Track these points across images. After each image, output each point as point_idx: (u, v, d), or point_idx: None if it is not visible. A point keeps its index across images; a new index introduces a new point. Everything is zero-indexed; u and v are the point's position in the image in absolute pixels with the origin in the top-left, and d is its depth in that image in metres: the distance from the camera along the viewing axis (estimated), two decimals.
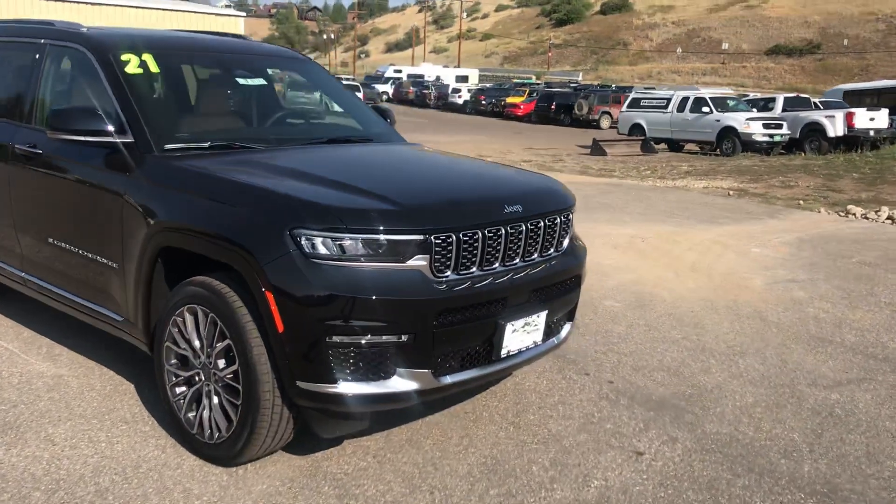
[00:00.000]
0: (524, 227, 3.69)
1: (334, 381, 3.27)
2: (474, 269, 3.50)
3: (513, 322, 3.64)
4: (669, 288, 7.06)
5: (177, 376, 3.69)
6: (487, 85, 57.16)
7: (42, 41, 4.63)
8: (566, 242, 4.04)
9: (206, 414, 3.58)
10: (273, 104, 4.99)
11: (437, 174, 4.28)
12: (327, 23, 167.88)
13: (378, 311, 3.25)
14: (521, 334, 3.71)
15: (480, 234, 3.49)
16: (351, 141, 4.68)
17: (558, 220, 3.91)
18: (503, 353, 3.67)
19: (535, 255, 3.80)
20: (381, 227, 3.27)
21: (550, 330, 3.99)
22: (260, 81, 4.89)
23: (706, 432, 4.16)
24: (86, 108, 3.99)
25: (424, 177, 4.18)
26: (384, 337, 3.28)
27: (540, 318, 3.80)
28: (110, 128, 3.90)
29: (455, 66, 75.56)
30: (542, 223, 3.79)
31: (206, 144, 4.05)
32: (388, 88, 59.64)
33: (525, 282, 3.69)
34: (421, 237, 3.33)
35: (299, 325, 3.23)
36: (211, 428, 3.57)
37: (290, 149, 4.31)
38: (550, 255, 3.90)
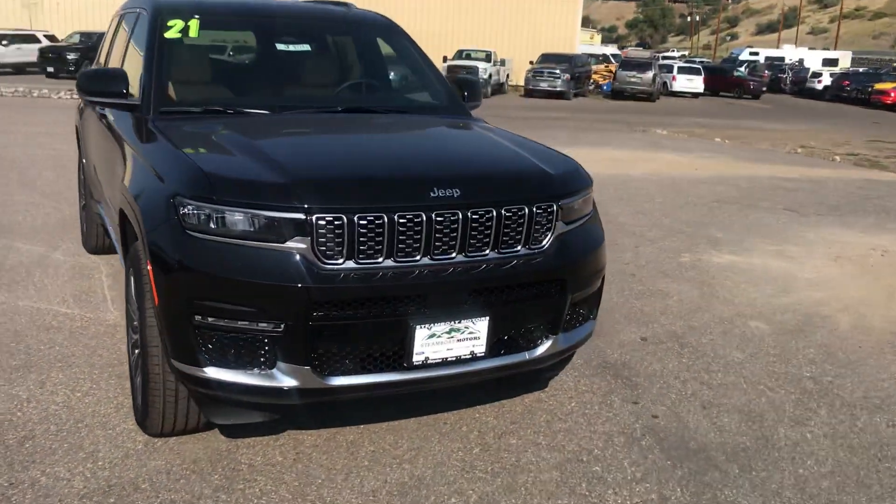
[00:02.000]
0: (461, 216, 3.10)
1: (200, 364, 3.03)
2: (381, 258, 3.01)
3: (429, 325, 3.10)
4: (862, 315, 5.64)
5: (131, 339, 3.70)
6: (859, 69, 50.95)
7: (131, 9, 4.91)
8: (548, 239, 3.34)
9: (137, 381, 3.54)
10: (318, 70, 4.79)
11: (391, 150, 3.79)
12: (697, 4, 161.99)
13: (247, 295, 2.94)
14: (444, 342, 3.15)
15: (386, 219, 3.00)
16: (371, 111, 4.31)
17: (526, 211, 3.24)
18: (416, 360, 3.13)
19: (489, 251, 3.19)
20: (254, 202, 2.95)
21: (505, 343, 3.35)
22: (304, 47, 4.72)
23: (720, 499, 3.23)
24: (104, 71, 4.12)
25: (368, 151, 3.71)
26: (259, 324, 2.96)
27: (478, 326, 3.18)
28: (120, 90, 3.99)
29: (825, 49, 68.57)
30: (494, 213, 3.16)
31: (199, 109, 3.99)
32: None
33: (458, 280, 3.12)
34: (300, 216, 2.94)
35: (169, 300, 3.04)
36: (133, 396, 3.53)
37: (281, 115, 4.06)
38: (515, 252, 3.25)
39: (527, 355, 3.40)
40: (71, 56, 29.89)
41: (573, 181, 3.55)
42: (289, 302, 2.94)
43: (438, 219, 3.07)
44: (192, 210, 2.99)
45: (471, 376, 3.32)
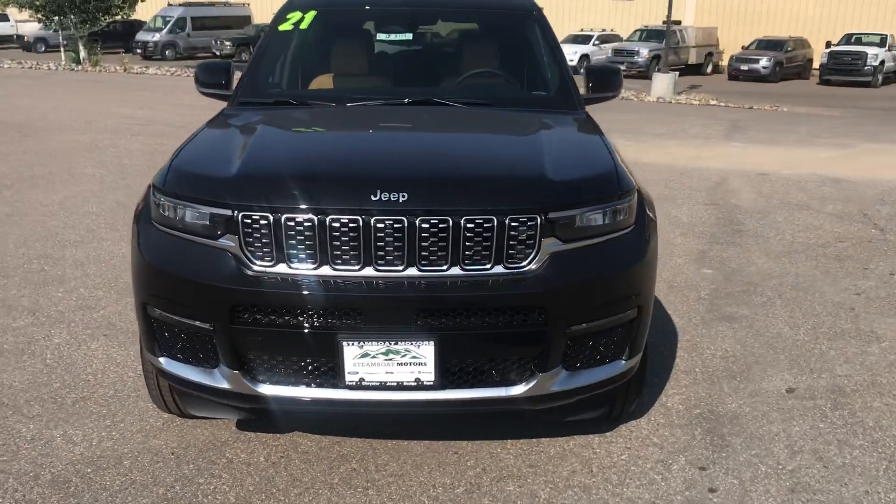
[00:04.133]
0: (406, 223, 2.71)
1: (156, 354, 3.05)
2: (316, 264, 2.75)
3: (360, 344, 2.76)
4: None
5: None
6: None
7: None
8: (531, 259, 2.80)
9: None
10: (416, 59, 4.48)
11: (385, 147, 3.39)
12: None
13: (179, 291, 2.90)
14: (382, 364, 2.78)
15: (317, 221, 2.73)
16: (442, 103, 3.91)
17: (495, 223, 2.74)
18: (350, 380, 2.82)
19: (449, 267, 2.75)
20: (195, 196, 2.87)
21: (466, 374, 2.86)
22: (405, 36, 4.43)
23: None
24: (213, 64, 4.29)
25: (356, 149, 3.36)
26: (195, 321, 2.90)
27: (422, 351, 2.77)
28: (220, 81, 4.16)
29: None
30: (451, 223, 2.72)
31: (271, 100, 3.99)
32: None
33: (402, 297, 2.74)
34: (228, 213, 2.80)
35: (134, 287, 3.11)
36: None
37: (337, 108, 3.87)
38: (485, 270, 2.77)
39: (503, 392, 2.89)
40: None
41: (585, 190, 2.93)
42: (214, 301, 2.82)
43: (379, 225, 2.71)
44: (156, 201, 3.00)
45: (422, 406, 2.92)
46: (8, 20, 41.77)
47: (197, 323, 2.88)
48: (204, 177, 2.94)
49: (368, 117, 3.76)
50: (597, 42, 33.18)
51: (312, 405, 2.92)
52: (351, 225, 2.72)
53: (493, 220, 2.74)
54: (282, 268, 2.78)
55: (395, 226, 2.71)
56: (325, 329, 2.76)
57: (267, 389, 2.89)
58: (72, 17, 27.07)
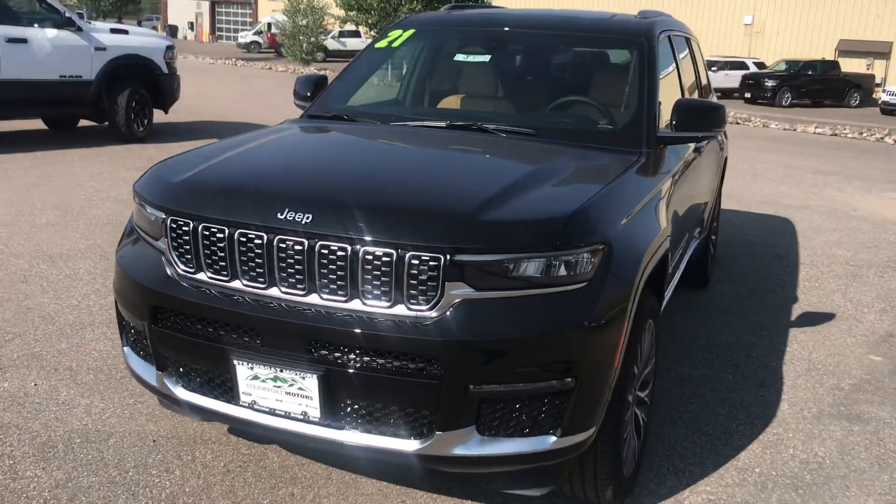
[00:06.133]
0: (306, 247, 2.58)
1: (122, 344, 3.22)
2: (229, 277, 2.72)
3: (251, 365, 2.67)
4: None
5: None
6: None
7: None
8: (434, 303, 2.50)
9: None
10: (493, 84, 4.14)
11: (352, 168, 3.19)
12: None
13: (123, 286, 3.03)
14: (271, 390, 2.65)
15: (227, 234, 2.69)
16: (483, 129, 3.61)
17: (394, 256, 2.50)
18: (244, 400, 2.72)
19: (349, 300, 2.57)
20: (150, 200, 2.96)
21: (357, 416, 2.63)
22: (483, 58, 4.13)
23: None
24: (309, 77, 4.40)
25: (323, 167, 3.22)
26: (133, 318, 3.02)
27: (307, 384, 2.59)
28: (305, 93, 4.29)
29: None
30: (349, 251, 2.53)
31: (328, 115, 4.00)
32: None
33: (294, 323, 2.59)
34: (162, 215, 2.86)
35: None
36: None
37: (375, 126, 3.77)
38: (384, 309, 2.54)
39: (397, 444, 2.61)
40: (769, 83, 30.32)
41: (515, 235, 2.55)
42: (141, 300, 2.90)
43: (281, 245, 2.61)
44: (134, 199, 3.16)
45: (311, 442, 2.74)
46: (359, 36, 45.62)
47: (134, 319, 2.98)
48: (161, 181, 3.02)
49: (379, 137, 3.64)
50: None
51: (217, 418, 2.88)
52: (257, 241, 2.64)
53: (392, 254, 2.50)
54: (201, 276, 2.77)
55: (297, 247, 2.58)
56: (222, 344, 2.71)
57: (182, 394, 2.89)
58: None
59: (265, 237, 2.62)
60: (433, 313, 2.50)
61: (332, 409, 2.62)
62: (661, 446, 3.65)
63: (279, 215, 2.61)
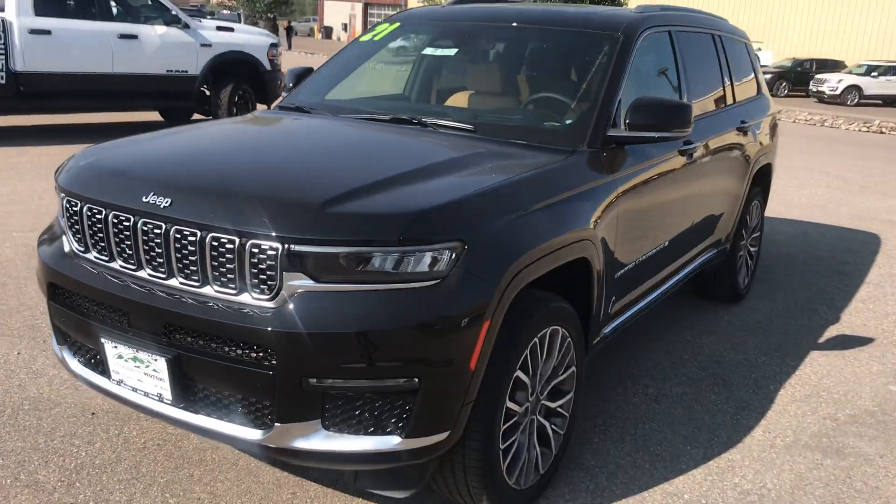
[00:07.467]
0: (164, 229, 2.63)
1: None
2: (110, 258, 2.82)
3: (115, 345, 2.74)
4: None
5: None
6: None
7: None
8: (274, 293, 2.48)
9: None
10: (455, 78, 4.00)
11: (249, 156, 3.19)
12: None
13: (36, 265, 3.19)
14: (133, 369, 2.72)
15: (104, 215, 2.78)
16: (422, 124, 3.53)
17: (237, 244, 2.49)
18: (114, 377, 2.81)
19: (203, 286, 2.60)
20: (55, 179, 3.11)
21: (206, 402, 2.64)
22: (448, 52, 3.99)
23: None
24: (294, 70, 4.48)
25: (223, 152, 3.24)
26: (42, 295, 3.18)
27: (159, 366, 2.64)
28: (286, 84, 4.38)
29: None
30: (199, 237, 2.56)
31: (293, 106, 4.04)
32: None
33: (154, 307, 2.64)
34: (62, 195, 3.00)
35: None
36: None
37: (319, 119, 3.77)
38: (230, 296, 2.54)
39: (242, 433, 2.60)
40: None
41: (360, 227, 2.48)
42: (42, 275, 3.06)
43: (144, 228, 2.67)
44: None
45: (169, 422, 2.77)
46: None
47: (42, 295, 3.14)
48: (69, 164, 3.15)
49: (302, 129, 3.65)
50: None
51: (102, 392, 2.96)
52: (126, 223, 2.71)
53: (236, 241, 2.50)
54: (91, 255, 2.88)
55: (156, 231, 2.64)
56: (96, 322, 2.81)
57: (76, 367, 3.02)
58: None
59: (132, 219, 2.69)
60: (272, 304, 2.49)
61: (184, 392, 2.66)
62: (595, 462, 3.46)
63: (144, 199, 2.67)
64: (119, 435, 3.48)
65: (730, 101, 5.09)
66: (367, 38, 4.38)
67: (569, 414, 3.26)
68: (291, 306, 2.46)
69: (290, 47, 47.77)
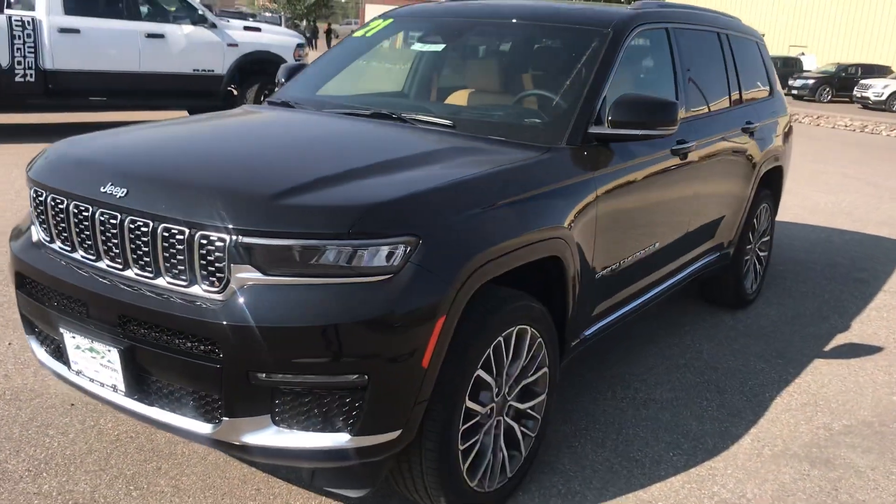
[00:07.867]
0: (119, 219, 2.62)
1: None
2: (71, 248, 2.82)
3: (73, 335, 2.74)
4: None
5: None
6: None
7: None
8: (223, 285, 2.46)
9: None
10: (442, 74, 3.94)
11: (220, 148, 3.19)
12: None
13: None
14: (90, 360, 2.72)
15: (66, 205, 2.78)
16: (401, 119, 3.49)
17: (187, 235, 2.47)
18: (73, 367, 2.81)
19: (156, 276, 2.58)
20: (26, 171, 3.12)
21: (158, 395, 2.63)
22: (437, 48, 3.92)
23: None
24: (286, 65, 4.48)
25: (193, 145, 3.23)
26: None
27: (113, 357, 2.62)
28: (279, 79, 4.39)
29: None
30: (150, 226, 2.54)
31: (280, 101, 4.02)
32: None
33: (109, 297, 2.63)
34: (30, 186, 3.01)
35: None
36: None
37: (300, 113, 3.77)
38: (182, 288, 2.52)
39: (193, 426, 2.59)
40: None
41: (312, 219, 2.44)
42: (10, 265, 3.08)
43: (101, 218, 2.67)
44: None
45: (124, 413, 2.75)
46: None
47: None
48: (41, 154, 3.17)
49: (276, 123, 3.63)
50: None
51: (65, 382, 2.96)
52: (85, 213, 2.71)
53: (185, 232, 2.48)
54: (55, 246, 2.89)
55: (112, 221, 2.63)
56: (56, 312, 2.81)
57: (43, 357, 3.04)
58: None
59: (90, 209, 2.68)
60: (221, 296, 2.46)
61: (137, 383, 2.65)
62: (571, 465, 3.39)
63: (102, 189, 2.66)
64: (94, 426, 3.49)
65: (735, 100, 4.96)
66: (360, 34, 4.36)
67: (541, 416, 3.19)
68: (240, 299, 2.43)
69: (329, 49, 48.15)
